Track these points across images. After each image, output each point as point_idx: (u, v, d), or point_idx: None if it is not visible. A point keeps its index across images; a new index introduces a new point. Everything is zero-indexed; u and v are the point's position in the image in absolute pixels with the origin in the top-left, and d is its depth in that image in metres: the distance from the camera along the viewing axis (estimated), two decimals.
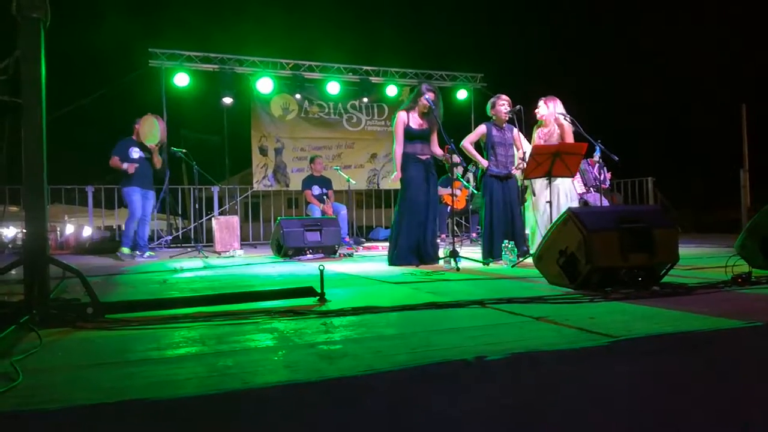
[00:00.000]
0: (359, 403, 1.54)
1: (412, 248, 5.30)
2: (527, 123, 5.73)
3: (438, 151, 5.56)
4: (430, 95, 5.41)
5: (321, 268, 3.07)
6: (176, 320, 2.49)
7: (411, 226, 5.32)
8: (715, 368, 1.92)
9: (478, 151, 5.71)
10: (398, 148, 5.45)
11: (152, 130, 7.52)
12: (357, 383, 1.56)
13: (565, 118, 5.72)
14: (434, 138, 5.56)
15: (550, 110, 5.82)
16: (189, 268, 5.73)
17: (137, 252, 7.62)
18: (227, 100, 10.98)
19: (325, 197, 9.17)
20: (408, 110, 5.50)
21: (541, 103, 5.91)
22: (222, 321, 2.47)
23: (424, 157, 5.48)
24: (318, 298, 2.96)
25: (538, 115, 5.89)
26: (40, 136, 2.52)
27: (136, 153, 7.53)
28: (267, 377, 1.57)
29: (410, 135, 5.44)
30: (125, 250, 7.47)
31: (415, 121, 5.46)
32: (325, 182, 9.36)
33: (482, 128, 5.68)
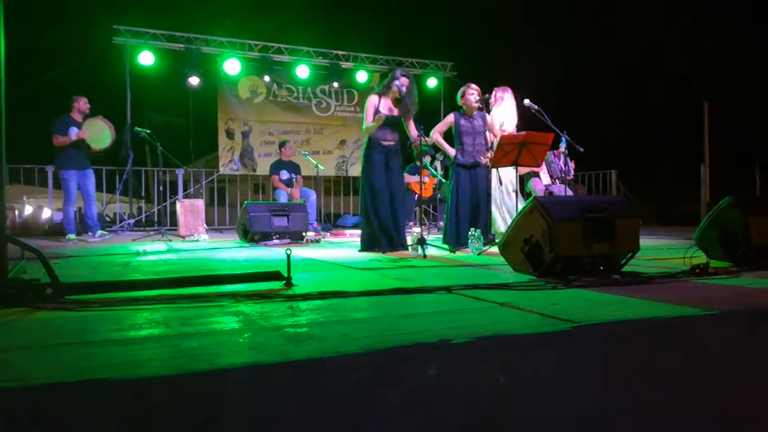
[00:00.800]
0: (325, 384, 1.54)
1: (381, 232, 5.31)
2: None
3: (415, 132, 5.53)
4: (402, 80, 5.41)
5: (288, 252, 3.05)
6: (138, 302, 2.45)
7: (377, 211, 5.33)
8: (674, 353, 1.98)
9: (448, 141, 5.75)
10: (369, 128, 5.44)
11: (101, 135, 7.31)
12: (323, 365, 1.56)
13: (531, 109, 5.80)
14: (410, 123, 5.54)
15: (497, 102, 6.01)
16: (152, 251, 5.64)
17: (89, 233, 7.47)
18: (193, 81, 10.76)
19: (293, 181, 9.11)
20: (380, 95, 5.49)
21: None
22: (186, 304, 2.45)
23: (386, 143, 5.45)
24: (284, 282, 2.95)
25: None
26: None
27: (75, 134, 7.31)
28: (232, 358, 1.56)
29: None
30: (71, 236, 7.29)
31: (385, 106, 5.45)
32: (293, 167, 9.28)
33: (450, 118, 5.72)
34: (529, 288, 2.85)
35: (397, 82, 5.39)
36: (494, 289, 2.83)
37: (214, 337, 1.83)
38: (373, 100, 5.46)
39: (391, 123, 5.47)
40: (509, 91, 6.27)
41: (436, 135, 5.70)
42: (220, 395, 1.43)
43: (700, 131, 12.03)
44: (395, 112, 5.47)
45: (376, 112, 5.40)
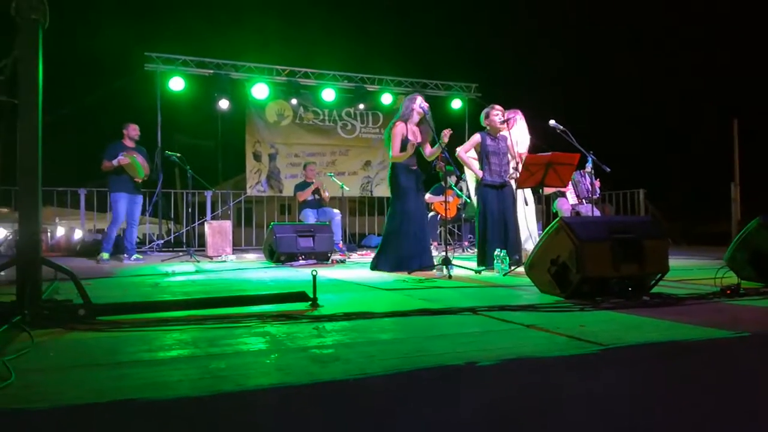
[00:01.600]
0: (351, 406, 1.55)
1: (413, 253, 5.31)
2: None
3: (428, 151, 5.60)
4: (419, 98, 5.54)
5: (314, 273, 3.08)
6: (168, 323, 2.49)
7: (408, 236, 5.33)
8: (704, 377, 1.95)
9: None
10: (401, 155, 5.50)
11: (136, 170, 7.49)
12: (349, 387, 1.57)
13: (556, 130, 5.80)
14: (427, 144, 5.61)
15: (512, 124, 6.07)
16: (181, 272, 5.72)
17: (124, 255, 7.63)
18: (223, 104, 10.98)
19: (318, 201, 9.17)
20: (405, 121, 5.53)
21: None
22: (214, 324, 2.48)
23: (415, 168, 5.56)
24: (310, 303, 2.97)
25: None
26: (36, 138, 2.52)
27: (117, 160, 7.48)
28: (259, 380, 1.58)
29: (406, 146, 5.46)
30: (105, 255, 7.45)
31: (411, 131, 5.50)
32: (317, 189, 9.37)
33: (476, 137, 5.72)
34: (556, 309, 2.83)
35: (416, 104, 5.48)
36: (521, 310, 2.81)
37: (242, 358, 1.85)
38: (400, 127, 5.47)
39: (416, 149, 5.55)
40: (519, 113, 6.36)
41: (462, 154, 5.72)
42: (249, 417, 1.44)
43: (730, 149, 11.82)
44: (419, 137, 5.54)
45: (405, 139, 5.43)
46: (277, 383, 1.54)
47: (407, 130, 5.49)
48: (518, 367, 1.76)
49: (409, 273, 5.10)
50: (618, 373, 1.84)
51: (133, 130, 7.66)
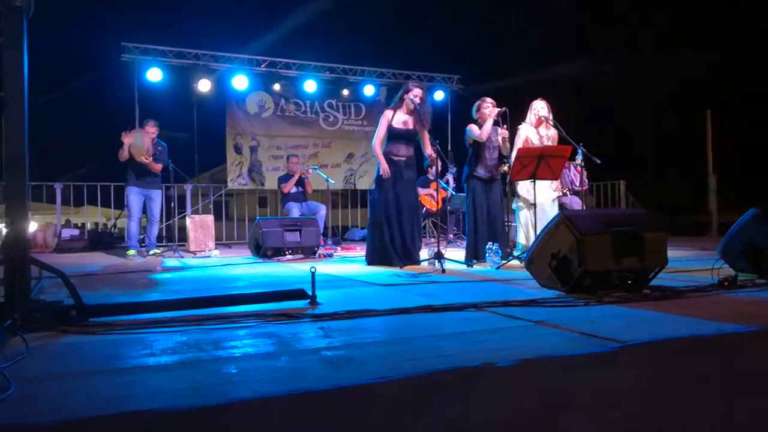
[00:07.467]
0: (371, 411, 1.49)
1: (391, 246, 5.25)
2: (512, 126, 5.69)
3: (429, 150, 5.48)
4: (415, 91, 5.36)
5: (312, 269, 3.00)
6: (165, 324, 2.40)
7: (387, 224, 5.28)
8: (722, 372, 1.92)
9: (464, 152, 5.73)
10: (376, 143, 5.44)
11: (139, 149, 7.27)
12: (368, 391, 1.51)
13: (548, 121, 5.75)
14: (425, 137, 5.49)
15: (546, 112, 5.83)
16: (167, 267, 5.60)
17: (143, 250, 7.51)
18: (203, 87, 10.72)
19: (302, 194, 9.04)
20: (395, 108, 5.43)
21: (544, 103, 5.86)
22: (214, 325, 2.39)
23: (396, 158, 5.38)
24: (309, 300, 2.90)
25: (538, 116, 5.80)
26: (23, 130, 2.41)
27: (124, 139, 7.28)
28: (275, 386, 1.51)
29: (392, 134, 5.38)
30: (130, 252, 7.30)
31: (399, 120, 5.40)
32: (299, 180, 9.24)
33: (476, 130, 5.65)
34: (561, 304, 2.79)
35: (409, 95, 5.35)
36: (525, 305, 2.77)
37: (252, 361, 1.77)
38: (387, 114, 5.42)
39: (404, 137, 5.40)
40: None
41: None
42: (269, 426, 1.37)
43: (705, 139, 11.97)
44: (410, 125, 5.42)
45: (389, 127, 5.36)
46: (294, 389, 1.46)
47: (393, 117, 5.39)
48: (538, 366, 1.72)
49: (401, 267, 5.04)
50: (641, 370, 1.80)
51: (147, 127, 7.47)
